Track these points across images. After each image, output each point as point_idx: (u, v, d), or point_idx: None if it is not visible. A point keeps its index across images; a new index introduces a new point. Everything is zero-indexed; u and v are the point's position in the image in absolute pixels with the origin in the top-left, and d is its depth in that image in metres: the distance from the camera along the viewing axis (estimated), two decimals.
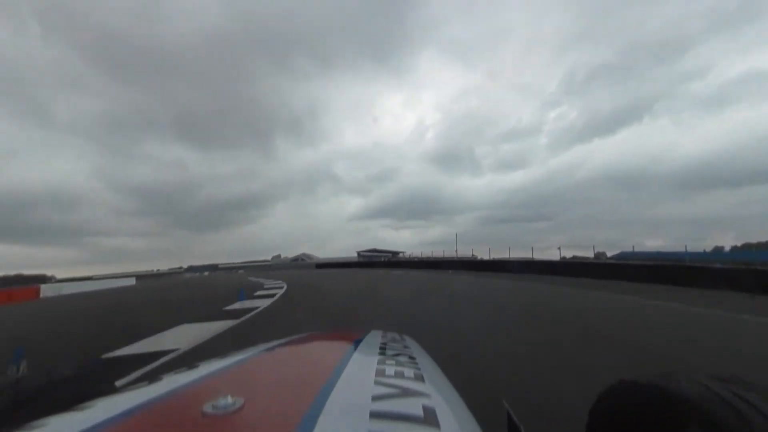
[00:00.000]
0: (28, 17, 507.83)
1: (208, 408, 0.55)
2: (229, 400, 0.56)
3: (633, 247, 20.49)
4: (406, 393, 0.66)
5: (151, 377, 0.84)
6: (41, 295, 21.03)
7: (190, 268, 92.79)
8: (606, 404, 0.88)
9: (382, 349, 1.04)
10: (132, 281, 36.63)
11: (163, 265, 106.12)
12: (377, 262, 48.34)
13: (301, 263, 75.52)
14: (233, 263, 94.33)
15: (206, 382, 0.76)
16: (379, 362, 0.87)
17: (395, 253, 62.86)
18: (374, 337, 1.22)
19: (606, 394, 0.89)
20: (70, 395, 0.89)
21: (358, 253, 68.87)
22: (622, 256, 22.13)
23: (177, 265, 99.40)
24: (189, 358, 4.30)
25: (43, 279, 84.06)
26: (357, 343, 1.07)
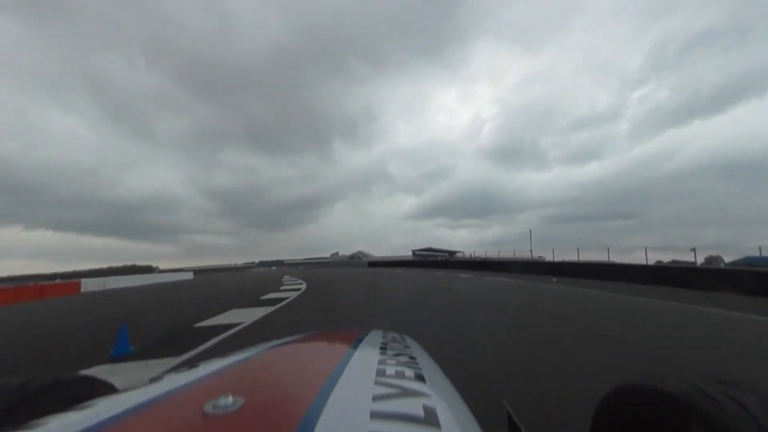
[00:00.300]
0: (137, 53, 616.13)
1: (208, 407, 0.54)
2: (230, 399, 0.55)
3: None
4: (406, 393, 0.64)
5: (152, 377, 0.81)
6: (82, 290, 20.21)
7: (261, 263, 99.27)
8: (609, 406, 0.89)
9: (383, 349, 1.00)
10: (190, 275, 37.24)
11: (239, 260, 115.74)
12: (434, 261, 42.62)
13: (357, 261, 74.33)
14: (296, 259, 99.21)
15: (207, 382, 0.73)
16: (380, 362, 0.84)
17: (452, 253, 57.70)
18: (375, 337, 1.18)
19: (609, 396, 0.90)
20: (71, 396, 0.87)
21: (413, 252, 64.74)
22: (749, 261, 14.99)
23: (251, 261, 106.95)
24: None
25: (149, 269, 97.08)
26: (357, 342, 1.04)
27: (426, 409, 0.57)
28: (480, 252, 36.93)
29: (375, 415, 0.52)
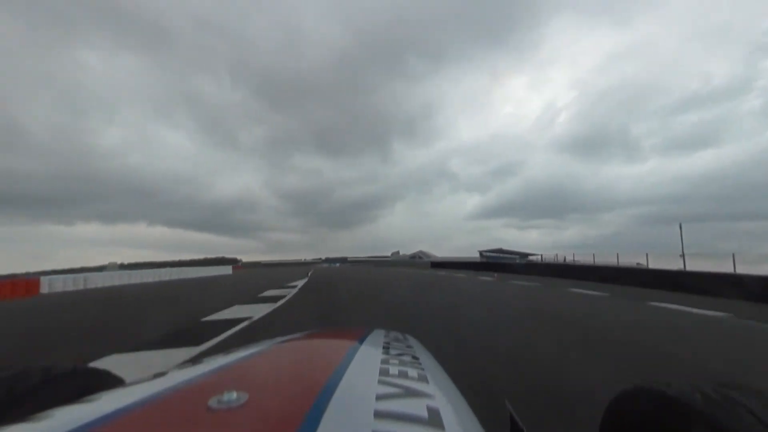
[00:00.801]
0: (224, 73, 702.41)
1: (213, 402, 0.52)
2: (234, 395, 0.54)
3: None
4: (410, 393, 0.62)
5: (157, 372, 0.80)
6: (41, 291, 15.22)
7: (327, 260, 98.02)
8: (616, 410, 0.87)
9: (386, 349, 0.97)
10: (229, 270, 33.16)
11: (308, 256, 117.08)
12: (508, 264, 31.07)
13: (418, 261, 65.64)
14: (359, 257, 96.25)
15: (212, 378, 0.71)
16: (383, 361, 0.81)
17: (524, 255, 46.31)
18: (377, 336, 1.13)
19: (616, 401, 0.88)
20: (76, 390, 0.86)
21: (481, 253, 53.57)
22: None
23: (318, 257, 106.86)
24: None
25: (235, 261, 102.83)
26: (361, 341, 1.00)
27: (430, 409, 0.54)
28: (569, 256, 24.33)
29: (378, 415, 0.50)
